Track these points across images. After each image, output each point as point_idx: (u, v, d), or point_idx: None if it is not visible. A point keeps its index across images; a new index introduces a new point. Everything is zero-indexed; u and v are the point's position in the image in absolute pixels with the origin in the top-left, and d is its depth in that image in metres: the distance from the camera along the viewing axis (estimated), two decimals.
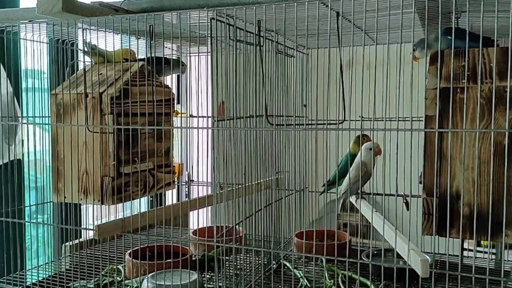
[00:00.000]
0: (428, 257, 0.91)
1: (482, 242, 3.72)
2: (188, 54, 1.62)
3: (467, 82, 1.01)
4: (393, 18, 1.16)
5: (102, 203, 1.26)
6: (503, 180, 0.96)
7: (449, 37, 1.11)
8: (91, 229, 1.24)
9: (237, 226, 1.52)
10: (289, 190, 1.54)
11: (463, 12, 1.15)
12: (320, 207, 2.05)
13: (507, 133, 0.97)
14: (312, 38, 1.35)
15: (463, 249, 2.65)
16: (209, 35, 1.08)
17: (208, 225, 1.59)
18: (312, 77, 1.53)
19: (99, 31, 1.30)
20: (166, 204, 1.69)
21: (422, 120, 1.06)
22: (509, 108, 0.96)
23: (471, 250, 1.92)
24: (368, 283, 1.12)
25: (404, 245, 0.90)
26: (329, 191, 1.48)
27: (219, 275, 1.21)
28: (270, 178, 1.51)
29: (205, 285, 1.23)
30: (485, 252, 1.80)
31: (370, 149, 1.21)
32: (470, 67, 1.04)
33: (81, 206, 1.64)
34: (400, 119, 1.07)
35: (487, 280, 0.93)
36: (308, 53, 1.64)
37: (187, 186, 2.31)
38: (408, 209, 1.24)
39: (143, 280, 1.19)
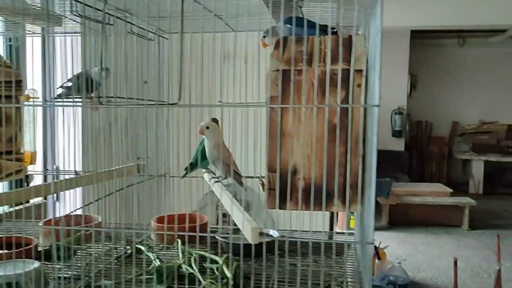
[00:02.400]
0: (257, 225, 0.94)
1: (351, 224, 4.03)
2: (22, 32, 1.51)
3: (304, 66, 1.09)
4: (242, 4, 1.21)
5: None
6: (334, 155, 1.05)
7: (289, 25, 1.19)
8: None
9: (92, 214, 1.47)
10: (150, 176, 1.52)
11: (303, 0, 1.23)
12: (199, 197, 2.05)
13: (338, 111, 1.06)
14: (171, 21, 1.34)
15: (332, 229, 2.86)
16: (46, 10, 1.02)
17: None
18: (171, 61, 1.53)
19: None
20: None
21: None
22: (340, 90, 1.06)
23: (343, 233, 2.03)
24: (219, 259, 1.15)
25: (241, 216, 0.93)
26: (188, 176, 1.48)
27: (68, 263, 1.16)
28: (130, 164, 1.48)
29: (54, 275, 1.17)
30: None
31: (208, 127, 1.24)
32: (309, 52, 1.12)
33: None
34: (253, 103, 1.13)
35: (310, 252, 1.01)
36: (169, 38, 1.63)
37: (53, 175, 2.18)
38: (264, 190, 1.29)
39: None
